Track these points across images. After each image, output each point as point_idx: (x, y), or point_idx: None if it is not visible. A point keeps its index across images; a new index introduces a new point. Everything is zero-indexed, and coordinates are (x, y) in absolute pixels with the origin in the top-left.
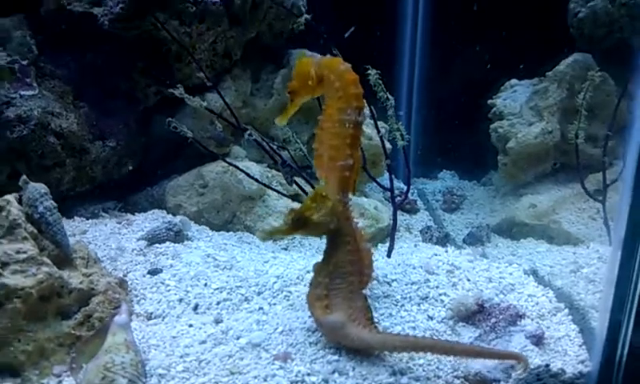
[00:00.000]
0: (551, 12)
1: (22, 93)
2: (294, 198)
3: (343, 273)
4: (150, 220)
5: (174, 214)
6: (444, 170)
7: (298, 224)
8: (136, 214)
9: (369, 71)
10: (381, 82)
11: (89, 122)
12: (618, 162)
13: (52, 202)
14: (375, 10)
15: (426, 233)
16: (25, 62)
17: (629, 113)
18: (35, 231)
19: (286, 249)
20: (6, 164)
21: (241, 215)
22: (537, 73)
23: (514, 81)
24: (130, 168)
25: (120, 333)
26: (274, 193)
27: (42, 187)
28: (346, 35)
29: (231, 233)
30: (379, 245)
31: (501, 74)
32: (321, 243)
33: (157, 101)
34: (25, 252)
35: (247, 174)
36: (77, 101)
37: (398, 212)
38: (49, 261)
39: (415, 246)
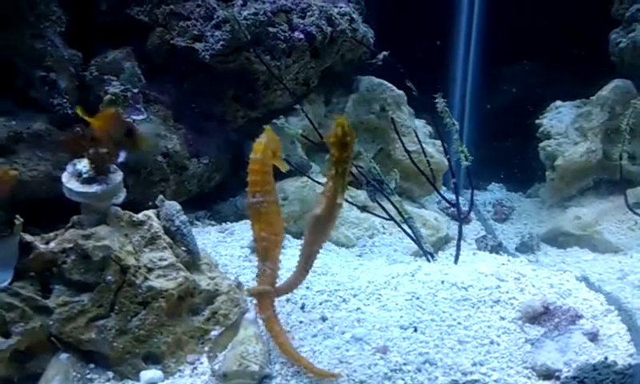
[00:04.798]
0: (592, 41)
1: (134, 117)
2: (363, 209)
3: None
4: (245, 229)
5: None
6: (493, 183)
7: None
8: (227, 222)
9: (437, 100)
10: (448, 109)
11: (186, 142)
12: None
13: (185, 216)
14: (431, 31)
15: (481, 242)
16: (135, 90)
17: None
18: (170, 241)
19: (360, 256)
20: None
21: None
22: (579, 95)
23: (558, 102)
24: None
25: (250, 327)
26: (346, 204)
27: (176, 204)
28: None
29: None
30: (439, 252)
31: (545, 96)
32: (389, 250)
33: (243, 122)
34: (165, 259)
35: None
36: (176, 123)
37: (452, 222)
38: (183, 266)
39: (474, 254)
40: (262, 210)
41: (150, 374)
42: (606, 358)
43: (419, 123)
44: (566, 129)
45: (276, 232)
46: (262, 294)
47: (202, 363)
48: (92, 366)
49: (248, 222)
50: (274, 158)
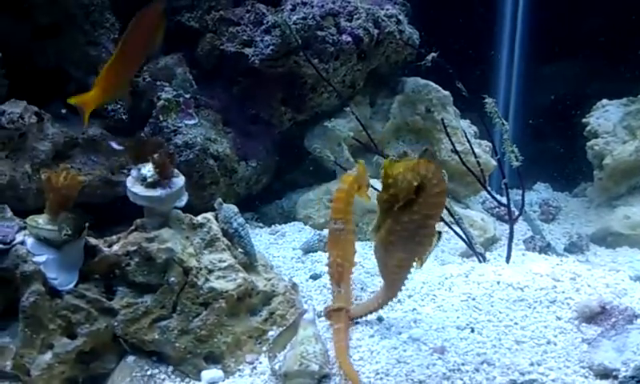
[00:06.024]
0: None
1: (187, 122)
2: None
3: None
4: (296, 231)
5: (305, 224)
6: (538, 182)
7: None
8: (275, 224)
9: (486, 100)
10: (497, 109)
11: (235, 146)
12: None
13: (242, 219)
14: (475, 24)
15: (530, 242)
16: (187, 96)
17: None
18: (229, 243)
19: None
20: None
21: (363, 226)
22: (625, 93)
23: (604, 101)
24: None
25: (309, 327)
26: None
27: (234, 207)
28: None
29: (359, 242)
30: (487, 252)
31: (590, 94)
32: (437, 251)
33: (290, 125)
34: (224, 261)
35: (375, 189)
36: (225, 127)
37: (498, 222)
38: (241, 268)
39: (523, 254)
40: (340, 236)
41: (211, 373)
42: None
43: (464, 123)
44: (614, 127)
45: (349, 260)
46: (335, 313)
47: (260, 363)
48: (153, 359)
49: (296, 223)
50: (359, 191)
